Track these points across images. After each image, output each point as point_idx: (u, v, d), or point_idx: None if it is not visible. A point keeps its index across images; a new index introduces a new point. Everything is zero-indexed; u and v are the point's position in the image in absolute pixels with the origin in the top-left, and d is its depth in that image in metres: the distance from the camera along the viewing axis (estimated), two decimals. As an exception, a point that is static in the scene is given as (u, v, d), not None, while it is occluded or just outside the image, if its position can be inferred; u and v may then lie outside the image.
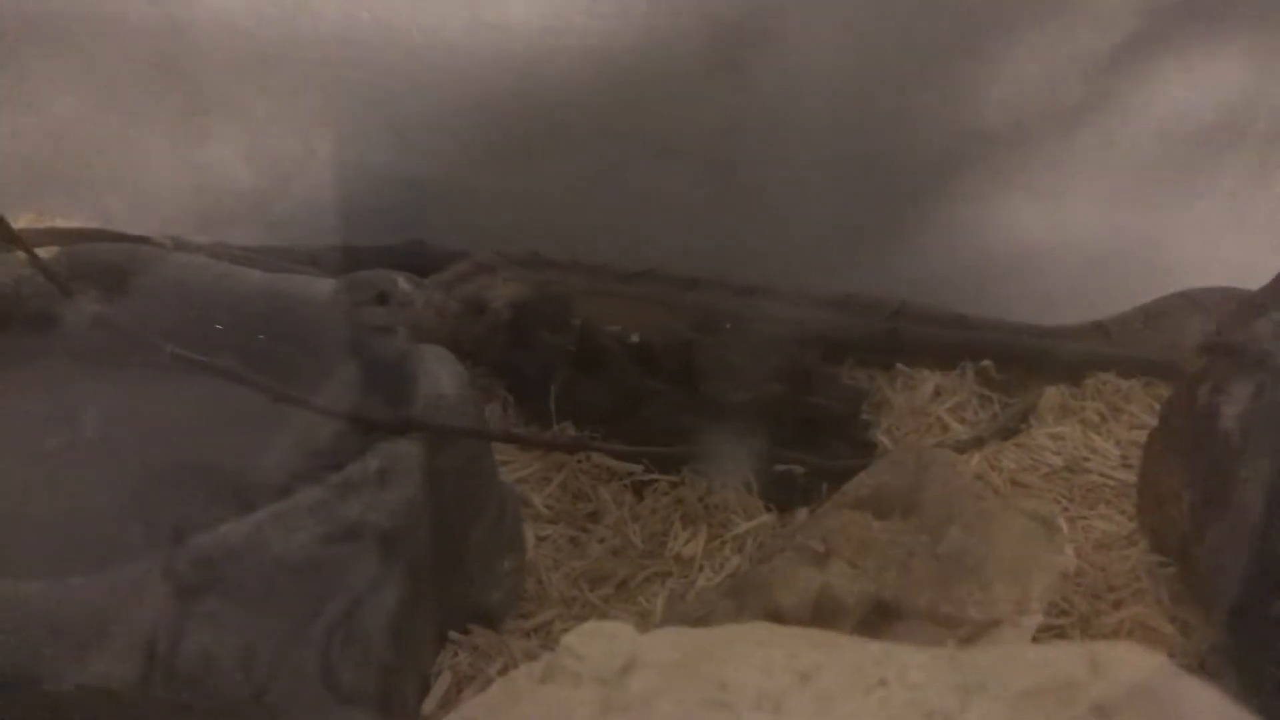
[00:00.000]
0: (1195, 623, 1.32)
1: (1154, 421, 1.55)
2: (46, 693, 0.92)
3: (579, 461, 1.52)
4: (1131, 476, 1.54)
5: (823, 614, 1.12)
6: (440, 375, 1.21)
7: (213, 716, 0.97)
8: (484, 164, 1.96)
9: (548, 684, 0.80)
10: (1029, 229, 1.89)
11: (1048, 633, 1.28)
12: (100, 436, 1.26)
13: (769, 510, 1.46)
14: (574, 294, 1.77)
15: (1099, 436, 1.64)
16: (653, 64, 1.85)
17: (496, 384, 1.66)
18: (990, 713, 0.74)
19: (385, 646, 1.09)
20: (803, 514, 1.45)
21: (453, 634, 1.24)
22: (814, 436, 1.53)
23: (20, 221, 1.89)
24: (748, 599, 1.16)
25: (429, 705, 1.17)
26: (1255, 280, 1.42)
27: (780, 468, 1.48)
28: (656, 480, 1.49)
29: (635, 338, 1.71)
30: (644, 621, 1.28)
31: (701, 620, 1.13)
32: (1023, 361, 1.76)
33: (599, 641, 0.82)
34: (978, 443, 1.61)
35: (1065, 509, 1.50)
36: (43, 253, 1.30)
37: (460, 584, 1.24)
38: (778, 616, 1.11)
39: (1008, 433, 1.65)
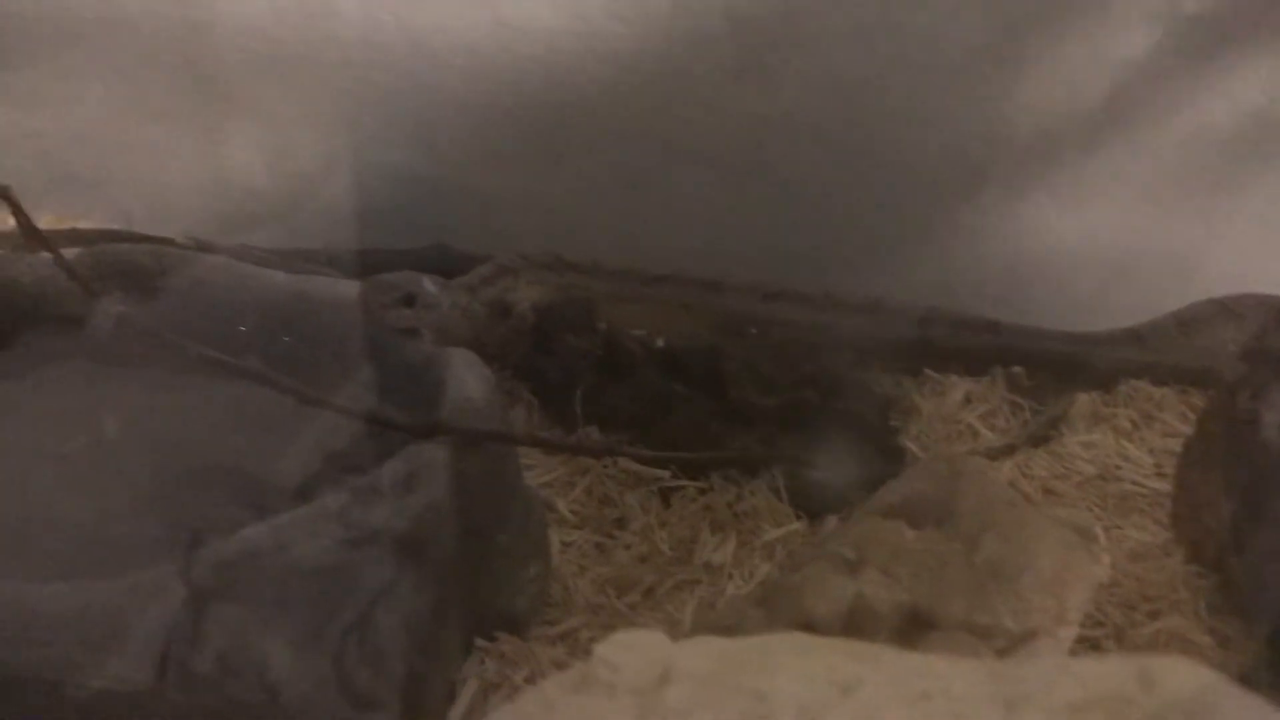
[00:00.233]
0: (1234, 635, 1.29)
1: (1187, 429, 1.52)
2: (67, 696, 0.91)
3: (605, 466, 1.50)
4: (1165, 485, 1.52)
5: (856, 623, 1.10)
6: (468, 379, 1.19)
7: (235, 722, 0.96)
8: (506, 166, 1.95)
9: (581, 694, 0.79)
10: (1060, 234, 1.87)
11: (1082, 644, 1.26)
12: (123, 438, 1.25)
13: (799, 517, 1.45)
14: (598, 297, 1.75)
15: (1132, 444, 1.62)
16: (676, 66, 1.84)
17: (521, 387, 1.65)
18: (1039, 727, 0.72)
19: (411, 653, 1.08)
20: (832, 521, 1.43)
21: (479, 641, 1.22)
22: (843, 443, 1.51)
23: (41, 221, 1.86)
24: (779, 608, 1.14)
25: (455, 713, 1.16)
26: (1288, 286, 1.40)
27: (810, 474, 1.47)
28: (684, 486, 1.48)
29: (661, 342, 1.70)
30: (673, 630, 1.26)
31: (732, 629, 1.11)
32: (1054, 368, 1.74)
33: (633, 651, 0.80)
34: (1009, 450, 1.59)
35: (1099, 518, 1.47)
36: (65, 253, 1.29)
37: (486, 590, 1.23)
38: (809, 626, 1.09)
39: (1039, 440, 1.62)
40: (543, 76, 1.87)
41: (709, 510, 1.45)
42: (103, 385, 1.29)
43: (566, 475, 1.50)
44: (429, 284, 1.40)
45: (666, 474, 1.48)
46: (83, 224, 1.93)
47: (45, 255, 1.25)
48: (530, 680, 1.18)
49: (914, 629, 1.11)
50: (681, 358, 1.63)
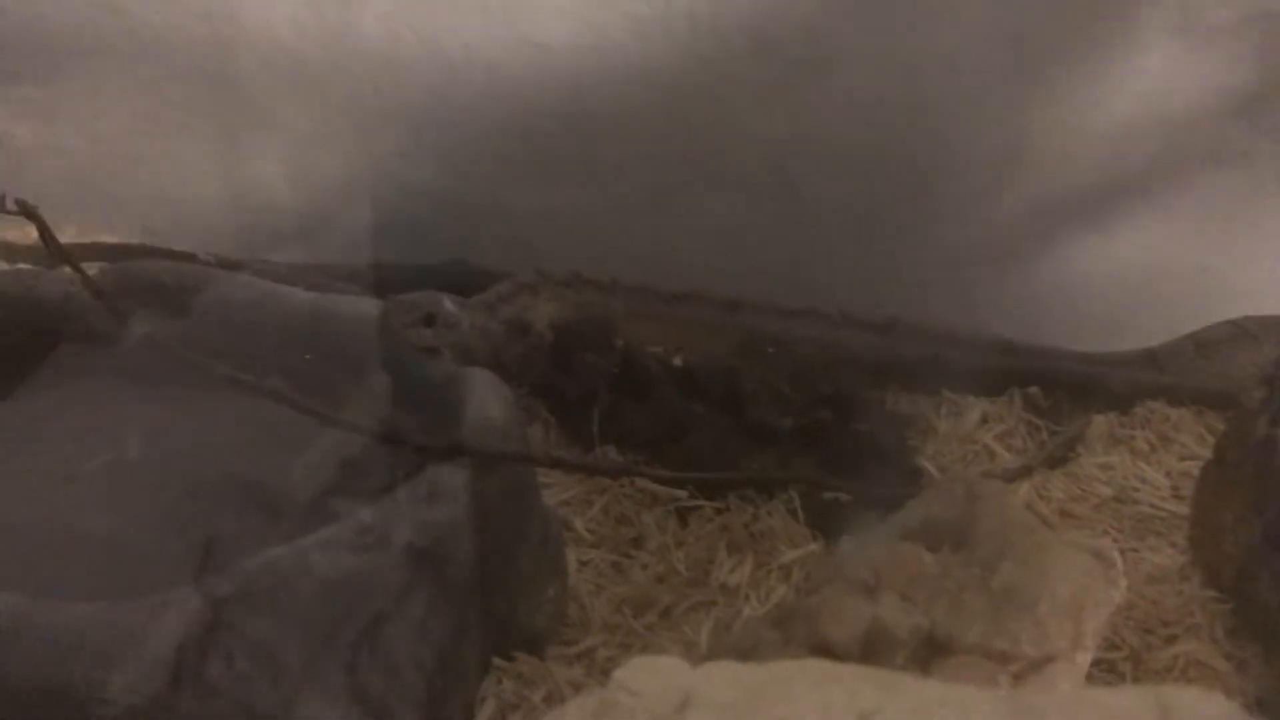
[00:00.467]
0: (1251, 660, 1.29)
1: (1205, 451, 1.52)
2: (87, 713, 0.91)
3: (622, 486, 1.51)
4: (1182, 508, 1.51)
5: (872, 647, 1.10)
6: (488, 399, 1.20)
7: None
8: (525, 183, 1.95)
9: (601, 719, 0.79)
10: (1078, 255, 1.87)
11: (1099, 668, 1.25)
12: (144, 454, 1.26)
13: (815, 538, 1.45)
14: (616, 315, 1.75)
15: (1149, 466, 1.62)
16: (698, 85, 1.85)
17: (538, 405, 1.65)
18: (1059, 759, 0.72)
19: (428, 670, 1.08)
20: (849, 543, 1.42)
21: (496, 660, 1.23)
22: (860, 463, 1.51)
23: (63, 235, 1.88)
24: (795, 630, 1.14)
25: (473, 733, 1.16)
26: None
27: (827, 495, 1.47)
28: (701, 506, 1.48)
29: (679, 360, 1.70)
30: (689, 651, 1.26)
31: (748, 652, 1.11)
32: (1071, 389, 1.74)
33: (652, 677, 0.81)
34: (1026, 471, 1.59)
35: (1115, 540, 1.47)
36: (86, 268, 1.30)
37: (503, 609, 1.23)
38: (826, 649, 1.09)
39: (1056, 461, 1.62)
40: (564, 94, 1.88)
41: (726, 530, 1.45)
42: (125, 402, 1.30)
43: (584, 494, 1.50)
44: (449, 303, 1.41)
45: (684, 494, 1.48)
46: (106, 238, 1.95)
47: (70, 272, 1.26)
48: (548, 700, 1.18)
49: (931, 653, 1.10)
50: (699, 377, 1.63)
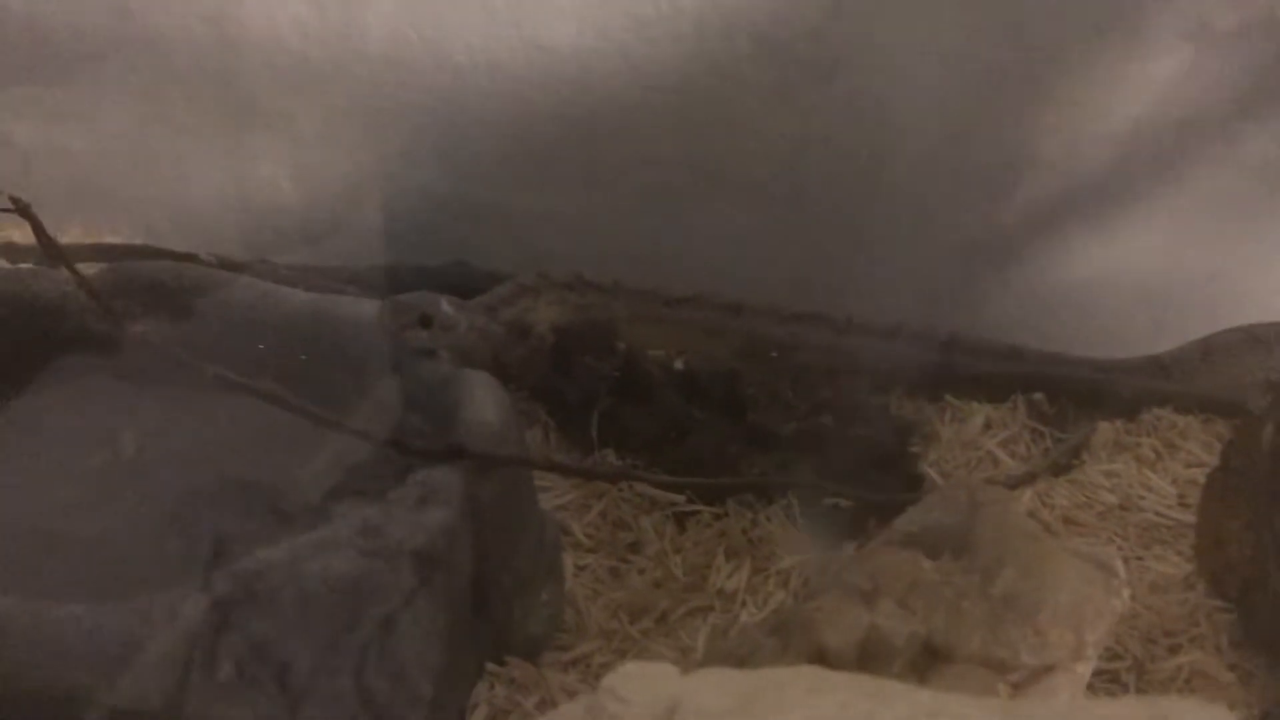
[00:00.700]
0: (1256, 671, 1.28)
1: (1211, 459, 1.51)
2: (85, 717, 0.91)
3: (620, 490, 1.49)
4: (1188, 516, 1.50)
5: (870, 655, 1.09)
6: (485, 402, 1.19)
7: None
8: (528, 185, 1.95)
9: (588, 727, 0.78)
10: (1085, 260, 1.85)
11: (1101, 677, 1.24)
12: (143, 455, 1.26)
13: (814, 545, 1.43)
14: (617, 318, 1.75)
15: (1154, 474, 1.60)
16: (703, 88, 1.84)
17: (538, 408, 1.64)
18: (1053, 771, 0.71)
19: (422, 676, 1.08)
20: (849, 549, 1.41)
21: (490, 665, 1.22)
22: (861, 469, 1.50)
23: (67, 235, 1.90)
24: (792, 637, 1.13)
25: (465, 739, 1.15)
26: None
27: (827, 501, 1.46)
28: (699, 511, 1.47)
29: (680, 364, 1.69)
30: (685, 658, 1.25)
31: (745, 659, 1.10)
32: (1076, 395, 1.72)
33: (642, 684, 0.79)
34: (1029, 478, 1.58)
35: (1120, 548, 1.46)
36: (89, 268, 1.30)
37: (498, 613, 1.22)
38: (823, 656, 1.08)
39: (1060, 468, 1.61)
40: (568, 96, 1.88)
41: (724, 536, 1.44)
42: (123, 402, 1.30)
43: (581, 498, 1.49)
44: (446, 305, 1.40)
45: (682, 498, 1.47)
46: (109, 239, 1.94)
47: (67, 272, 1.26)
48: (541, 706, 1.17)
49: (929, 661, 1.09)
50: (700, 380, 1.62)
